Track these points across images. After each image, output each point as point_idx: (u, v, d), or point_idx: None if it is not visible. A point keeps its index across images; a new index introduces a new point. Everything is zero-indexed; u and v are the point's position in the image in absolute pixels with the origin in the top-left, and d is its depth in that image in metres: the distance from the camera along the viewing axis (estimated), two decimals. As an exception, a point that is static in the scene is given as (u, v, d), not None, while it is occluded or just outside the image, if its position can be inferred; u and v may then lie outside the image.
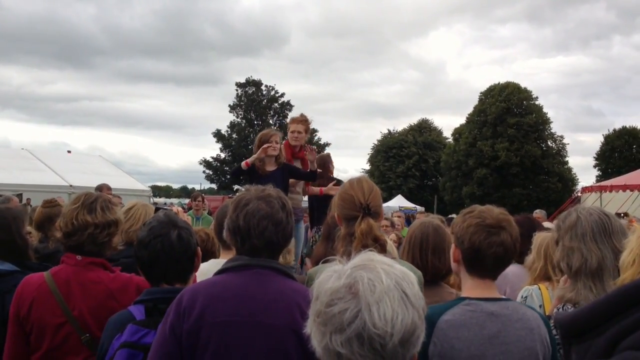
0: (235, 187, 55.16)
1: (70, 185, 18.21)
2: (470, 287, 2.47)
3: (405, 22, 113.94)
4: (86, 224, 2.94)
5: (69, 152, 26.10)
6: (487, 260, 2.41)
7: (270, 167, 6.55)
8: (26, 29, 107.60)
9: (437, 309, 2.37)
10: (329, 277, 1.44)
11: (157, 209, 4.23)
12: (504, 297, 2.50)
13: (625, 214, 12.54)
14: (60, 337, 2.84)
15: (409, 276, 1.46)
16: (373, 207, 2.85)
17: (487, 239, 2.39)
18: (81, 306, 2.85)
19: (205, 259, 2.83)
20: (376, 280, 1.39)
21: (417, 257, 3.45)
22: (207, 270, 3.05)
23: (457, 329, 2.30)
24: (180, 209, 3.74)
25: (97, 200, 3.04)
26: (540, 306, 3.38)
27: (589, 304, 1.17)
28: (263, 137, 6.55)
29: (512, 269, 4.06)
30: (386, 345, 1.35)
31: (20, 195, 13.25)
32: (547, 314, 3.08)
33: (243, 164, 6.57)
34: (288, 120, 7.60)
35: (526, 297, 3.51)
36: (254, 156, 6.49)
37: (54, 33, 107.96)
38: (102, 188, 8.72)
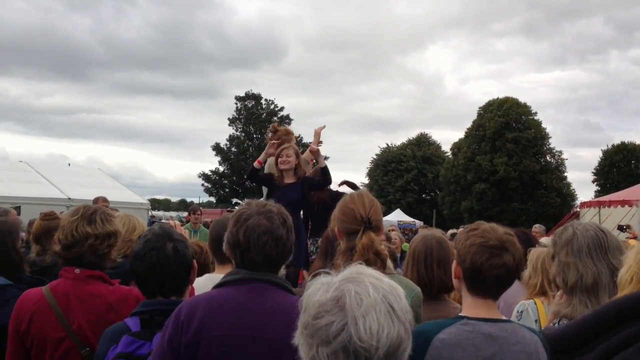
0: (234, 200, 55.26)
1: (69, 198, 18.17)
2: (470, 305, 2.45)
3: (403, 35, 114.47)
4: (86, 235, 2.93)
5: (69, 164, 26.07)
6: (488, 281, 2.39)
7: (289, 180, 6.52)
8: (22, 40, 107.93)
9: (435, 326, 2.35)
10: (317, 289, 1.47)
11: (151, 223, 4.26)
12: (504, 318, 2.46)
13: (628, 226, 12.51)
14: (60, 352, 2.83)
15: (397, 290, 1.48)
16: (374, 221, 2.86)
17: (488, 260, 2.36)
18: (80, 320, 2.84)
19: (198, 272, 2.83)
20: (363, 294, 1.41)
21: (423, 272, 3.42)
22: (201, 285, 3.04)
23: (452, 349, 2.27)
24: (178, 222, 3.76)
25: (97, 211, 3.05)
26: (536, 321, 3.37)
27: (578, 319, 1.17)
28: (277, 151, 6.60)
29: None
30: (371, 358, 1.37)
31: (18, 208, 13.21)
32: (543, 328, 3.08)
33: (255, 162, 6.67)
34: (295, 132, 7.55)
35: (522, 311, 3.50)
36: (263, 153, 6.65)
37: (50, 45, 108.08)
38: (98, 200, 8.68)
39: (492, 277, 2.37)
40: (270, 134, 7.24)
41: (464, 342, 2.28)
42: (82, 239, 2.93)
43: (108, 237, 3.00)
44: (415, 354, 2.22)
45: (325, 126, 7.39)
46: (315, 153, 6.91)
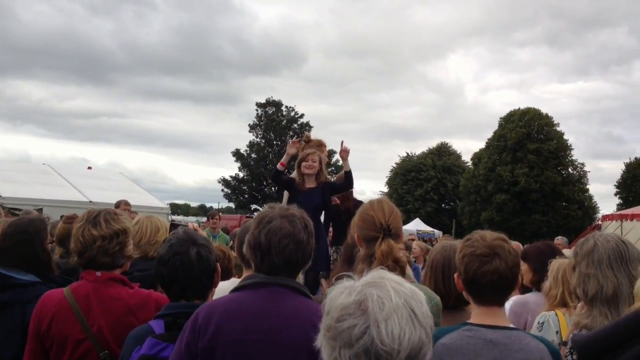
0: (254, 206, 55.39)
1: (90, 201, 18.29)
2: (477, 314, 2.47)
3: (424, 44, 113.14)
4: (93, 238, 2.96)
5: (89, 168, 26.29)
6: (484, 289, 2.42)
7: (310, 185, 6.56)
8: (45, 44, 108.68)
9: (439, 331, 2.36)
10: (340, 293, 1.49)
11: (173, 226, 4.28)
12: (510, 326, 2.46)
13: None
14: (79, 354, 2.85)
15: (418, 295, 1.50)
16: (393, 229, 2.87)
17: (480, 268, 2.40)
18: (100, 322, 2.86)
19: (221, 277, 2.86)
20: (385, 298, 1.43)
21: (440, 282, 3.40)
22: (226, 289, 3.06)
23: (452, 354, 2.29)
24: (196, 225, 3.79)
25: (100, 213, 3.07)
26: (557, 332, 3.35)
27: (606, 326, 1.18)
28: (302, 156, 6.64)
29: (533, 297, 4.04)
30: None
31: (40, 210, 13.36)
32: (564, 339, 3.06)
33: (278, 165, 6.76)
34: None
35: (543, 322, 3.48)
36: (285, 154, 6.75)
37: (72, 48, 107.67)
38: (120, 204, 8.76)
39: (486, 284, 2.40)
40: (302, 143, 7.21)
41: (464, 347, 2.31)
42: (90, 242, 2.96)
43: (116, 236, 3.01)
44: None
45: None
46: (345, 153, 6.72)
